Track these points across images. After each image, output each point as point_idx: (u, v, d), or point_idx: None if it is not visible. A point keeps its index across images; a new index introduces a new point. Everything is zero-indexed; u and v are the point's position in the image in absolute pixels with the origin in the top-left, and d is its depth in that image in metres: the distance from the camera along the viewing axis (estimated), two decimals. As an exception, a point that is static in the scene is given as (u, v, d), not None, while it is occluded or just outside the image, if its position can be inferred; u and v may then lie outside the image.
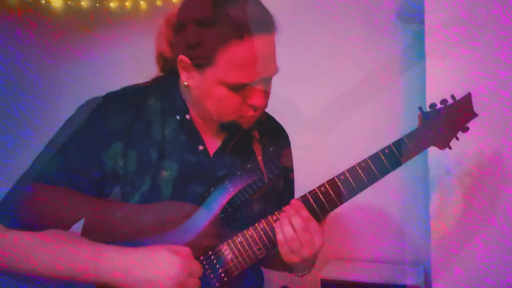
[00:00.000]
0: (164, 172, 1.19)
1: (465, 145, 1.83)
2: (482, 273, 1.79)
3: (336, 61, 2.32)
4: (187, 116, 1.23)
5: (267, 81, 1.18)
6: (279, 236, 1.14)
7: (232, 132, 1.25)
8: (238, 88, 1.12)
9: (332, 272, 2.14)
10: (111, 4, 2.59)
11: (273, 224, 1.16)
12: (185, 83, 1.18)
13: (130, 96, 1.24)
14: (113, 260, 1.07)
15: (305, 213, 1.15)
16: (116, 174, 1.18)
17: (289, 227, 1.13)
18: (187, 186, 1.21)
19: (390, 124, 2.18)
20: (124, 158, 1.18)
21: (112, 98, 1.24)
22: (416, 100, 2.09)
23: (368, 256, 2.30)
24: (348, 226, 2.30)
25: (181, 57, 1.14)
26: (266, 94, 1.18)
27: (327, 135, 2.22)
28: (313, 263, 1.30)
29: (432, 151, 1.89)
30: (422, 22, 1.83)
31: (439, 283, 1.84)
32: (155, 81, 1.28)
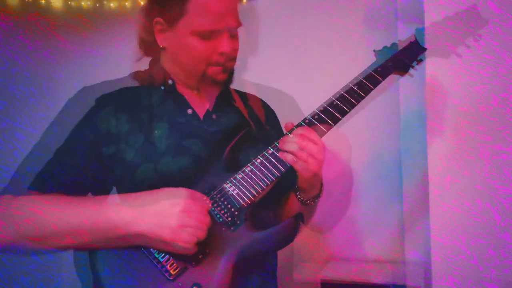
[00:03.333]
0: (156, 131, 1.30)
1: (464, 144, 1.83)
2: (482, 273, 1.79)
3: (335, 61, 2.31)
4: (169, 81, 1.37)
5: (233, 32, 1.33)
6: (288, 158, 1.23)
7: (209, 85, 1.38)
8: (207, 35, 1.27)
9: (332, 272, 2.14)
10: (111, 4, 2.59)
11: (270, 157, 1.25)
12: (161, 46, 1.34)
13: (115, 84, 1.38)
14: (121, 202, 1.17)
15: (299, 130, 1.26)
16: (110, 134, 1.28)
17: (291, 144, 1.23)
18: (182, 142, 1.30)
19: (389, 123, 2.18)
20: (116, 119, 1.29)
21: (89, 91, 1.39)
22: (416, 100, 2.08)
23: (368, 256, 2.30)
24: (348, 226, 2.30)
25: (157, 19, 1.31)
26: (234, 45, 1.33)
27: (327, 134, 2.21)
28: (320, 188, 1.37)
29: (432, 151, 1.89)
30: (422, 22, 1.83)
31: (439, 283, 1.84)
32: (136, 74, 1.41)
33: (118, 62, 2.53)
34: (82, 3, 2.60)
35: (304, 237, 1.29)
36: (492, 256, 1.78)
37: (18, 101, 2.57)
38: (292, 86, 2.04)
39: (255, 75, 1.40)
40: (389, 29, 2.21)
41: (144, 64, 1.42)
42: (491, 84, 1.75)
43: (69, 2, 2.61)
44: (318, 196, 1.36)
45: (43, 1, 2.59)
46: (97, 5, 2.60)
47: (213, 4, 1.26)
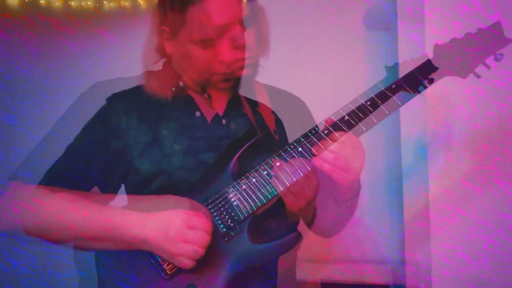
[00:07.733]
0: (164, 131, 1.31)
1: (464, 145, 1.83)
2: (482, 274, 1.79)
3: (335, 61, 2.32)
4: (181, 83, 1.37)
5: (235, 39, 1.29)
6: (279, 189, 1.21)
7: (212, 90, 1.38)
8: (205, 44, 1.26)
9: (332, 274, 2.14)
10: (111, 4, 2.59)
11: (274, 168, 1.23)
12: (168, 54, 1.34)
13: (128, 81, 1.39)
14: (130, 214, 1.20)
15: (298, 161, 1.22)
16: (119, 129, 1.30)
17: (286, 174, 1.21)
18: (188, 144, 1.32)
19: (389, 124, 2.18)
20: (127, 115, 1.31)
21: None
22: (415, 100, 2.08)
23: (368, 257, 2.31)
24: (348, 227, 2.30)
25: (163, 27, 1.32)
26: (237, 53, 1.30)
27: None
28: (314, 207, 1.37)
29: (432, 153, 1.89)
30: (422, 22, 1.83)
31: (439, 283, 1.84)
32: (148, 73, 1.42)
33: (118, 61, 2.54)
34: (82, 3, 2.60)
35: (304, 238, 1.29)
36: (491, 257, 1.78)
37: (19, 101, 2.57)
38: (292, 87, 2.04)
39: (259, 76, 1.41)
40: (389, 29, 2.21)
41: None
42: (493, 88, 1.75)
43: (69, 2, 2.61)
44: (309, 218, 1.39)
45: (43, 1, 2.59)
46: (97, 5, 2.60)
47: (210, 14, 1.25)
